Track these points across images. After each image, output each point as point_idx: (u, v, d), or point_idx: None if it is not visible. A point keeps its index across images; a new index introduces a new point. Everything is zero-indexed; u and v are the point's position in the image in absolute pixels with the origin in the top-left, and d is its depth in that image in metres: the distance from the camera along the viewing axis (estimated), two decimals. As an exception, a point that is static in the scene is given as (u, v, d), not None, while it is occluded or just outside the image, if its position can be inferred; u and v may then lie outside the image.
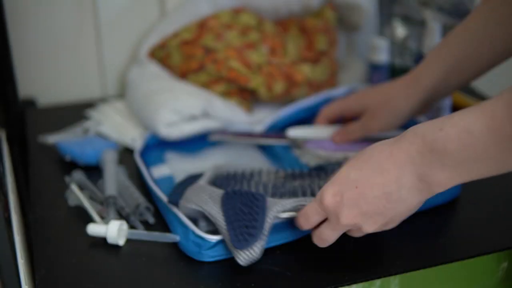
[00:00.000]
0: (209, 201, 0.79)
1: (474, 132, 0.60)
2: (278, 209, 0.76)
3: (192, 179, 0.88)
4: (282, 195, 0.82)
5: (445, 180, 0.64)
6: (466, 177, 0.63)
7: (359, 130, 0.97)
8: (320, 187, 0.82)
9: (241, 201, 0.77)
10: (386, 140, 0.68)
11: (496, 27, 0.82)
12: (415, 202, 0.67)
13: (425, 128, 0.64)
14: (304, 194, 0.82)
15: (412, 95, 0.90)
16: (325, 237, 0.73)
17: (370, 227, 0.70)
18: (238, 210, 0.76)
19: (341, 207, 0.69)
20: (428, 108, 0.94)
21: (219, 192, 0.80)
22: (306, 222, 0.74)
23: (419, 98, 0.90)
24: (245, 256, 0.73)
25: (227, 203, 0.77)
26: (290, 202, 0.77)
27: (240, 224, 0.74)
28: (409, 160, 0.65)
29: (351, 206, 0.68)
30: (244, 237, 0.73)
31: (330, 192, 0.69)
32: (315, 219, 0.73)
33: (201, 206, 0.78)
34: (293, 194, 0.82)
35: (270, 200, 0.77)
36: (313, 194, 0.81)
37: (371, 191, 0.67)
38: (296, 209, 0.77)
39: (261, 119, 1.10)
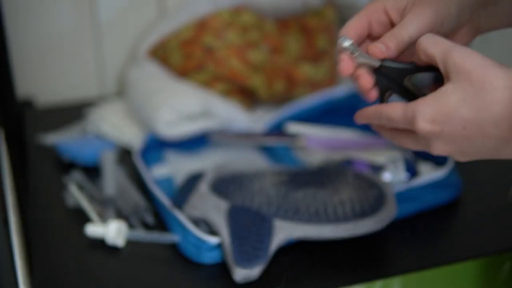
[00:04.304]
0: (214, 211, 0.79)
1: None
2: (284, 237, 0.77)
3: (194, 180, 0.88)
4: (286, 212, 0.82)
5: None
6: None
7: (403, 30, 0.64)
8: (323, 202, 0.82)
9: (249, 219, 0.78)
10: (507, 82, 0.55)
11: None
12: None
13: None
14: (308, 210, 0.82)
15: None
16: (403, 143, 0.62)
17: (462, 159, 0.60)
18: (246, 228, 0.77)
19: (436, 139, 0.58)
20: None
21: (224, 204, 0.81)
22: (388, 123, 0.61)
23: None
24: (243, 274, 0.74)
25: (233, 217, 0.78)
26: (296, 232, 0.78)
27: (246, 243, 0.75)
28: None
29: (450, 142, 0.58)
30: (248, 256, 0.74)
31: (427, 117, 0.57)
32: (398, 125, 0.60)
33: (206, 214, 0.79)
34: (297, 211, 0.82)
35: (277, 224, 0.78)
36: (317, 213, 0.81)
37: (481, 139, 0.57)
38: (301, 238, 0.79)
39: (261, 118, 1.09)
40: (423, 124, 0.58)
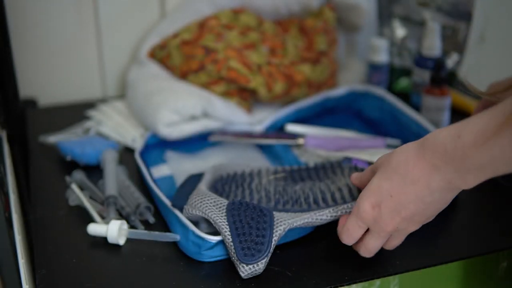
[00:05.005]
0: (214, 209, 0.79)
1: (489, 137, 0.61)
2: (284, 228, 0.77)
3: (194, 180, 0.89)
4: (285, 204, 0.83)
5: (472, 180, 0.66)
6: (491, 174, 0.65)
7: None
8: (321, 191, 0.83)
9: (249, 214, 0.78)
10: (409, 147, 0.70)
11: None
12: (449, 198, 0.70)
13: (444, 136, 0.66)
14: (306, 200, 0.82)
15: None
16: (371, 247, 0.76)
17: (414, 227, 0.73)
18: (246, 223, 0.77)
19: (382, 217, 0.72)
20: None
21: (224, 201, 0.81)
22: (350, 238, 0.76)
23: None
24: (249, 270, 0.74)
25: (233, 214, 0.79)
26: (296, 220, 0.78)
27: (248, 239, 0.76)
28: (434, 169, 0.67)
29: (391, 213, 0.72)
30: (251, 252, 0.75)
31: (367, 206, 0.72)
32: (358, 233, 0.75)
33: (206, 213, 0.79)
34: (296, 202, 0.83)
35: (277, 216, 0.79)
36: (315, 201, 0.82)
37: (405, 197, 0.70)
38: (303, 225, 0.79)
39: (261, 119, 1.10)
40: (368, 212, 0.72)
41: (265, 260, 0.75)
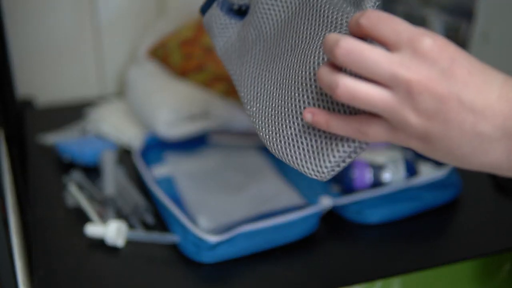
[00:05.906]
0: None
1: None
2: None
3: None
4: None
5: None
6: None
7: None
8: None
9: None
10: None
11: None
12: (485, 155, 0.49)
13: None
14: None
15: None
16: (360, 89, 0.50)
17: (419, 135, 0.50)
18: None
19: (434, 61, 0.47)
20: None
21: None
22: (369, 66, 0.49)
23: None
24: None
25: None
26: None
27: None
28: None
29: (443, 76, 0.47)
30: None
31: (432, 38, 0.48)
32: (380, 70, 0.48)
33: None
34: None
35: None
36: None
37: (475, 94, 0.48)
38: None
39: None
40: (429, 41, 0.47)
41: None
